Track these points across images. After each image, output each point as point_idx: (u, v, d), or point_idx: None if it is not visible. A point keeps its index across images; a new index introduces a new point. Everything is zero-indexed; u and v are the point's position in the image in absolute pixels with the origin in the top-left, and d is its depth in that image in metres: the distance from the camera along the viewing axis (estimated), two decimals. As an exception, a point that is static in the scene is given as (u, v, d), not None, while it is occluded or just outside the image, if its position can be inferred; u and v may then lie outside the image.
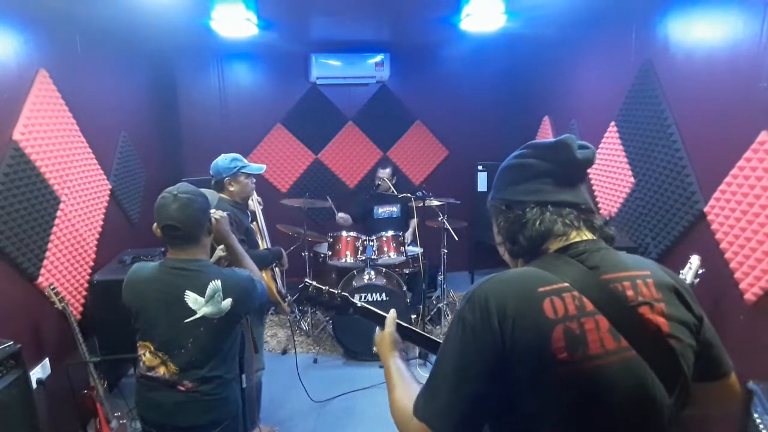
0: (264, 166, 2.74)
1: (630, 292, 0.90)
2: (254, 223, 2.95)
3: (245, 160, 2.67)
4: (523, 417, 0.86)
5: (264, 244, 3.00)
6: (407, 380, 1.07)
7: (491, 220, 1.08)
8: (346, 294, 1.36)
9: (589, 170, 1.03)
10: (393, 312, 1.26)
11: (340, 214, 4.49)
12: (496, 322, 0.85)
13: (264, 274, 2.70)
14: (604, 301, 0.87)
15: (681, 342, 0.90)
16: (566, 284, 0.88)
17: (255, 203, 3.07)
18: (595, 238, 0.98)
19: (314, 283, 1.36)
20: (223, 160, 2.63)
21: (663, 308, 0.90)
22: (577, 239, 0.97)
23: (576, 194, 1.00)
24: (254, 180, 2.74)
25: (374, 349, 1.25)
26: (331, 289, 1.35)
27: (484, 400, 0.87)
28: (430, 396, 0.90)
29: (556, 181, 0.99)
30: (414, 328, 1.28)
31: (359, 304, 1.33)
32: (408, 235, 4.40)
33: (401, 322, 1.26)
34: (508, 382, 0.85)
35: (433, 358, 3.66)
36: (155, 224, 1.73)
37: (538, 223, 0.97)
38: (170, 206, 1.68)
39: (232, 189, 2.62)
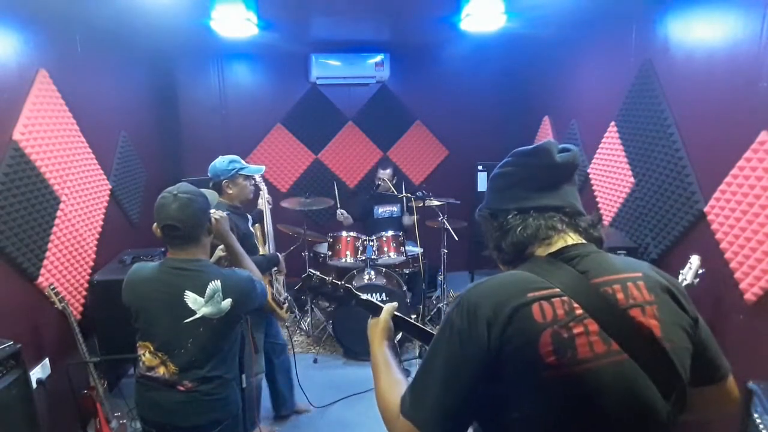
0: (263, 167, 2.72)
1: (620, 295, 0.90)
2: (257, 225, 2.91)
3: (243, 162, 2.64)
4: (515, 420, 0.87)
5: (267, 247, 2.93)
6: (393, 371, 1.08)
7: (483, 230, 1.08)
8: (350, 285, 1.37)
9: (590, 171, 1.03)
10: (394, 303, 1.26)
11: (341, 211, 4.49)
12: (484, 326, 0.85)
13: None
14: (594, 305, 0.87)
15: (675, 344, 0.89)
16: (556, 289, 0.88)
17: (264, 203, 3.02)
18: (583, 241, 0.98)
19: (318, 273, 1.37)
20: (220, 162, 2.59)
21: (655, 311, 0.90)
22: (563, 243, 0.97)
23: (559, 197, 1.00)
24: (253, 182, 2.72)
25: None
26: (334, 280, 1.36)
27: (471, 403, 0.87)
28: (417, 395, 0.91)
29: (538, 186, 0.99)
30: (411, 320, 1.29)
31: (362, 296, 1.34)
32: (406, 218, 4.44)
33: (399, 314, 1.26)
34: (498, 385, 0.85)
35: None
36: (155, 224, 1.73)
37: (520, 229, 0.98)
38: (170, 206, 1.68)
39: (230, 192, 2.58)
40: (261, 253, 2.79)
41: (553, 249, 0.96)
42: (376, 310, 1.28)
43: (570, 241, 0.97)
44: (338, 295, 1.36)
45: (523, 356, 0.83)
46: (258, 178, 2.98)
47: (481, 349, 0.85)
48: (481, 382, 0.86)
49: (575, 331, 0.84)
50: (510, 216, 0.99)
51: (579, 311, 0.86)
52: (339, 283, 1.36)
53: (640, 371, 0.85)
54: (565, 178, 1.01)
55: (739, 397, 1.05)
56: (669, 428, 0.89)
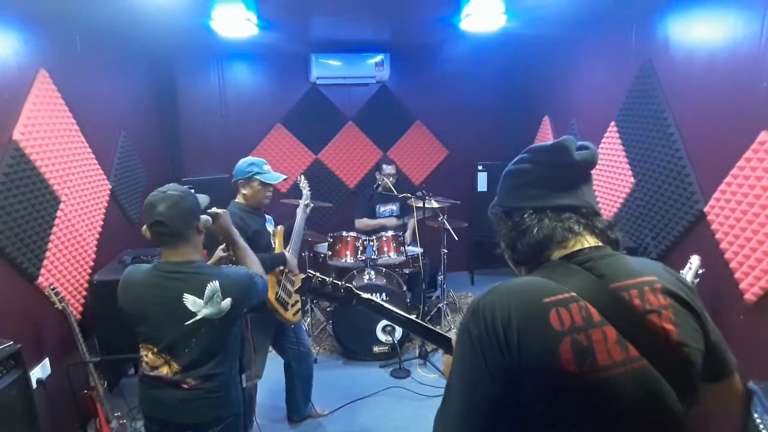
0: (281, 177, 2.69)
1: (637, 301, 0.88)
2: (280, 227, 2.91)
3: (266, 167, 2.64)
4: (533, 426, 0.85)
5: (288, 249, 2.88)
6: None
7: (495, 228, 1.06)
8: (350, 285, 1.36)
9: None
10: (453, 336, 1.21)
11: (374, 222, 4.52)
12: (502, 334, 0.83)
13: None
14: (612, 311, 0.86)
15: (690, 347, 0.89)
16: (572, 294, 0.86)
17: (301, 206, 3.04)
18: (599, 243, 0.96)
19: (318, 274, 1.36)
20: (242, 162, 2.64)
21: (671, 315, 0.89)
22: (580, 246, 0.95)
23: (576, 197, 0.97)
24: (270, 189, 2.68)
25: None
26: (334, 281, 1.35)
27: (495, 411, 0.86)
28: (445, 410, 0.90)
29: (555, 184, 0.97)
30: (428, 325, 1.29)
31: (363, 296, 1.33)
32: (407, 236, 4.40)
33: (394, 308, 1.27)
34: (518, 391, 0.84)
35: (432, 358, 3.67)
36: (144, 226, 1.72)
37: (536, 229, 0.95)
38: (158, 204, 1.67)
39: (244, 192, 2.62)
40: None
41: (569, 252, 0.95)
42: (378, 310, 1.28)
43: (586, 244, 0.95)
44: (339, 296, 1.35)
45: (543, 364, 0.82)
46: (303, 183, 3.19)
47: (503, 355, 0.83)
48: (502, 389, 0.84)
49: (594, 338, 0.83)
50: (525, 215, 0.97)
51: (597, 317, 0.84)
52: (339, 283, 1.35)
53: (659, 376, 0.85)
54: (583, 177, 0.99)
55: (742, 393, 1.05)
56: (684, 429, 0.88)
